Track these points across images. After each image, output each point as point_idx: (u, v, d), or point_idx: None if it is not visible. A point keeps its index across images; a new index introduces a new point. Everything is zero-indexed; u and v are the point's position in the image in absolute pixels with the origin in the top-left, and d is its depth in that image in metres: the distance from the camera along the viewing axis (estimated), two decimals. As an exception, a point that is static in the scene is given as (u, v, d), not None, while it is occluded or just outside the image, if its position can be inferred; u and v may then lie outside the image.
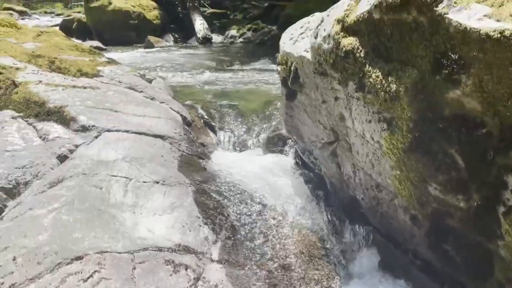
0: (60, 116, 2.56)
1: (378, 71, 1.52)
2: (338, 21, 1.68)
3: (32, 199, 1.84)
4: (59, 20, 14.70)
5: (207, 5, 10.82)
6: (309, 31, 2.31)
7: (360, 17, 1.58)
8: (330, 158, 2.02)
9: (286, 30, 2.58)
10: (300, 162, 2.57)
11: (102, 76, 3.48)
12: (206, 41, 9.29)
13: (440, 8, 1.35)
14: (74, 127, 2.49)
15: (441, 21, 1.34)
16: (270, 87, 4.28)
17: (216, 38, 9.70)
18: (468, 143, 1.33)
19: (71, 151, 2.30)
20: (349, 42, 1.62)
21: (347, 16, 1.65)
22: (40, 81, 2.94)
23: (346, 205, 2.07)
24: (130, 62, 6.39)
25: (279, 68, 2.40)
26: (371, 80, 1.54)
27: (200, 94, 3.98)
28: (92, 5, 9.71)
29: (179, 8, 10.91)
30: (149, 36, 8.83)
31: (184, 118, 3.08)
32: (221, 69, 5.75)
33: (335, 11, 1.76)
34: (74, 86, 2.99)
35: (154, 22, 10.11)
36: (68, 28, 10.20)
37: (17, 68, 3.04)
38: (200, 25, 9.63)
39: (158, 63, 6.27)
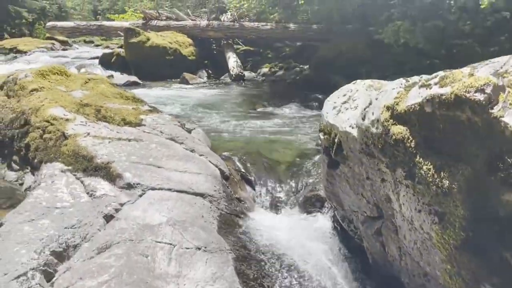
0: (106, 172, 2.63)
1: (429, 163, 1.51)
2: (388, 108, 1.70)
3: (81, 266, 1.89)
4: (97, 50, 15.29)
5: (240, 43, 11.06)
6: (352, 101, 2.34)
7: (410, 107, 1.59)
8: (374, 237, 2.01)
9: (329, 97, 2.61)
10: (339, 228, 2.55)
11: (144, 125, 3.58)
12: (239, 78, 9.46)
13: (496, 111, 1.36)
14: (120, 184, 2.56)
15: (496, 123, 1.34)
16: (302, 138, 4.30)
17: (248, 75, 9.86)
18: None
19: (117, 210, 2.36)
20: (399, 130, 1.63)
21: (397, 104, 1.67)
22: (88, 133, 3.04)
23: (388, 284, 2.04)
24: (166, 100, 6.56)
25: (321, 136, 2.42)
26: (422, 172, 1.53)
27: (235, 143, 4.03)
28: (131, 40, 10.05)
29: (214, 45, 11.19)
30: (184, 73, 9.05)
31: (222, 172, 3.12)
32: (253, 113, 5.82)
33: (384, 97, 1.78)
34: (119, 139, 3.09)
35: (189, 58, 10.37)
36: (107, 61, 10.58)
37: (67, 120, 3.16)
38: (233, 62, 9.82)
39: (193, 102, 6.40)
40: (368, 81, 2.52)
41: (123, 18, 21.00)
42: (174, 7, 15.02)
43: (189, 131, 3.73)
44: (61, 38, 16.05)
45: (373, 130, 1.76)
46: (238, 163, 3.46)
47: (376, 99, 1.83)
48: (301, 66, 9.38)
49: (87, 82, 4.01)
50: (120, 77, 9.57)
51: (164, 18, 11.29)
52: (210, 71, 10.49)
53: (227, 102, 6.57)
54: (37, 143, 3.06)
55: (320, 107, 6.64)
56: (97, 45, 18.03)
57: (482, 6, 5.36)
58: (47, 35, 16.07)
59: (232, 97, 7.18)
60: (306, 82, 8.43)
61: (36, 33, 22.56)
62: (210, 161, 3.18)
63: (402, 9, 6.86)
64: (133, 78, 9.13)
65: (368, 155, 1.87)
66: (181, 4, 14.47)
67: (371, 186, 1.95)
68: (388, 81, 2.58)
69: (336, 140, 2.21)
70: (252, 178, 3.32)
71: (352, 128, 2.02)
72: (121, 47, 11.65)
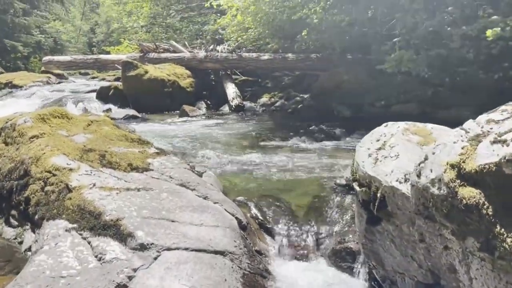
0: (116, 231, 2.35)
1: (514, 236, 1.26)
2: (452, 166, 1.45)
3: None
4: (93, 83, 15.09)
5: (239, 73, 10.92)
6: (390, 148, 2.09)
7: (484, 168, 1.34)
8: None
9: (361, 141, 2.37)
10: (377, 288, 2.28)
11: (152, 170, 3.31)
12: (238, 109, 9.25)
13: None
14: (132, 245, 2.27)
15: None
16: (315, 175, 4.04)
17: (248, 105, 9.66)
18: None
19: (130, 278, 2.06)
20: (470, 194, 1.38)
21: (463, 162, 1.42)
22: (94, 184, 2.76)
23: None
24: (168, 135, 6.30)
25: (356, 187, 2.16)
26: (505, 245, 1.28)
27: (247, 184, 3.76)
28: (129, 74, 9.87)
29: (212, 76, 11.03)
30: (184, 105, 8.83)
31: (239, 222, 2.84)
32: (259, 147, 5.55)
33: (444, 152, 1.53)
34: (128, 189, 2.81)
35: (188, 89, 10.19)
36: (105, 95, 10.36)
37: (71, 169, 2.89)
38: (232, 93, 9.64)
39: (195, 137, 6.15)
40: (402, 124, 2.28)
41: (118, 50, 20.96)
42: (170, 39, 14.95)
43: (200, 174, 3.46)
44: (56, 71, 15.79)
45: (434, 190, 1.51)
46: (254, 209, 3.18)
47: (433, 153, 1.58)
48: (301, 95, 9.20)
49: (89, 125, 3.75)
50: (118, 111, 9.34)
51: (162, 50, 11.16)
52: (209, 102, 10.30)
53: (230, 136, 6.32)
54: (38, 197, 2.77)
55: (327, 138, 6.43)
56: (93, 77, 17.86)
57: (489, 38, 5.22)
58: (42, 68, 15.88)
59: (234, 130, 6.93)
60: (308, 112, 8.24)
61: (32, 66, 22.44)
62: (226, 210, 2.90)
63: (405, 38, 6.74)
64: (132, 112, 8.89)
65: (427, 218, 1.61)
66: (177, 36, 14.39)
67: (427, 251, 1.69)
68: (424, 124, 2.35)
69: (378, 195, 1.95)
70: (271, 226, 3.04)
71: (400, 183, 1.77)
72: (117, 79, 11.48)
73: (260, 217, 3.09)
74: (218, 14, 12.31)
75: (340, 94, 7.83)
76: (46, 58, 12.67)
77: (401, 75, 6.70)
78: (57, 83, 14.37)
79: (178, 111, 9.42)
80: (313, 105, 8.37)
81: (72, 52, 28.10)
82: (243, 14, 9.31)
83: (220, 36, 11.70)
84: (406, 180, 1.74)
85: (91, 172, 2.94)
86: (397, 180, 1.81)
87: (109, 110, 9.85)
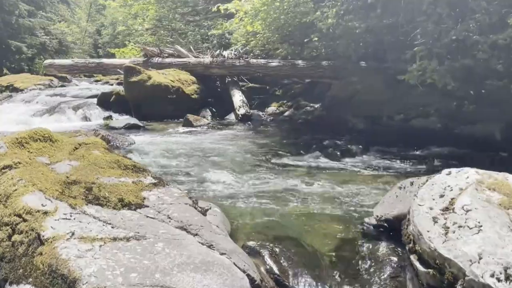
0: (95, 308, 1.78)
1: None
2: None
3: None
4: (96, 87, 14.57)
5: (246, 80, 10.36)
6: (464, 213, 1.52)
7: None
8: None
9: (418, 197, 1.80)
10: None
11: (148, 206, 2.75)
12: (245, 118, 8.70)
13: None
14: (114, 330, 1.71)
15: None
16: (335, 209, 3.45)
17: (255, 114, 9.11)
18: None
19: None
20: None
21: None
22: (73, 234, 2.20)
23: None
24: (169, 150, 5.75)
25: (417, 264, 1.59)
26: None
27: (258, 220, 3.19)
28: (132, 79, 9.34)
29: (218, 83, 10.48)
30: (188, 115, 8.29)
31: (252, 280, 2.27)
32: (269, 166, 4.98)
33: None
34: (114, 239, 2.25)
35: (192, 96, 9.65)
36: (106, 101, 9.85)
37: (46, 212, 2.33)
38: (239, 101, 9.09)
39: (199, 153, 5.59)
40: (472, 174, 1.71)
41: (123, 52, 20.49)
42: (175, 42, 14.42)
43: (204, 211, 2.89)
44: (59, 74, 15.29)
45: None
46: (269, 260, 2.61)
47: None
48: (311, 105, 8.64)
49: (76, 148, 3.20)
50: (119, 120, 8.81)
51: (166, 55, 10.63)
52: (214, 110, 9.75)
53: (236, 152, 5.74)
54: (4, 249, 2.21)
55: (343, 155, 5.85)
56: (97, 80, 17.33)
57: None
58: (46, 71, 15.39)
59: (241, 144, 6.36)
60: (319, 124, 7.68)
61: (36, 68, 22.00)
62: (235, 264, 2.34)
63: (427, 47, 6.15)
64: (133, 121, 8.35)
65: None
66: (182, 39, 13.85)
67: None
68: (503, 175, 1.77)
69: (457, 286, 1.38)
70: (290, 284, 2.47)
71: (499, 281, 1.20)
72: (121, 83, 10.95)
73: (277, 271, 2.51)
74: (225, 18, 11.75)
75: (354, 105, 7.26)
76: (47, 62, 12.18)
77: (421, 86, 6.11)
78: (59, 86, 13.87)
79: (182, 119, 8.90)
80: (324, 116, 7.80)
81: (77, 54, 27.68)
82: (252, 18, 8.76)
83: (227, 40, 11.15)
84: (508, 278, 1.17)
85: (71, 216, 2.38)
86: (492, 275, 1.24)
87: (109, 117, 9.33)
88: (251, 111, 9.01)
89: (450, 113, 6.26)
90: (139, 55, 14.90)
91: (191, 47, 11.15)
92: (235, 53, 10.20)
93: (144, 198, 2.83)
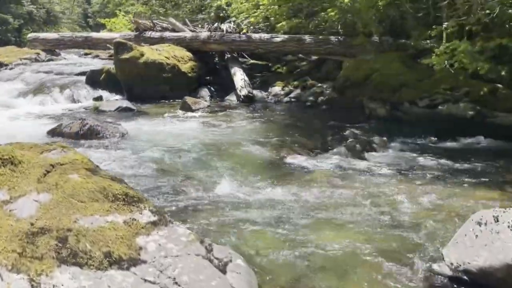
0: None
1: None
2: None
3: None
4: (86, 61, 13.42)
5: (246, 56, 9.38)
6: None
7: None
8: None
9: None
10: None
11: (145, 262, 1.96)
12: (248, 100, 7.81)
13: None
14: None
15: None
16: (384, 241, 2.66)
17: (258, 94, 8.20)
18: None
19: None
20: None
21: None
22: None
23: None
24: (166, 142, 4.91)
25: None
26: None
27: (286, 269, 2.38)
28: (123, 57, 8.34)
29: (216, 59, 9.49)
30: (186, 97, 7.37)
31: None
32: (285, 172, 4.12)
33: None
34: None
35: (189, 74, 8.70)
36: (95, 80, 8.87)
37: (-10, 300, 1.51)
38: (241, 80, 8.16)
39: (198, 148, 4.73)
40: None
41: (114, 23, 19.14)
42: (168, 13, 13.24)
43: (223, 266, 2.08)
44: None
45: None
46: None
47: None
48: (319, 85, 7.74)
49: (49, 172, 2.34)
50: (111, 102, 7.87)
51: (160, 28, 9.56)
52: (213, 89, 8.82)
53: (244, 147, 4.84)
54: None
55: (365, 150, 5.02)
56: (86, 54, 16.12)
57: None
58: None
59: (246, 134, 5.50)
60: (332, 108, 6.82)
61: (24, 39, 20.60)
62: None
63: (457, 23, 5.26)
64: (125, 103, 7.44)
65: None
66: (177, 11, 12.65)
67: None
68: None
69: None
70: None
71: None
72: (112, 57, 9.90)
73: None
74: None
75: (370, 87, 6.38)
76: (31, 35, 11.06)
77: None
78: (46, 60, 12.74)
79: (178, 101, 7.99)
80: (337, 99, 6.94)
81: (66, 24, 26.14)
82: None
83: (225, 12, 10.07)
84: None
85: (31, 301, 1.57)
86: None
87: (99, 98, 8.39)
88: (254, 91, 8.09)
89: (482, 98, 5.42)
90: (129, 26, 13.69)
91: (187, 20, 10.05)
92: (234, 26, 9.18)
93: (141, 249, 2.02)
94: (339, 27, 6.68)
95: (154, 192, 3.36)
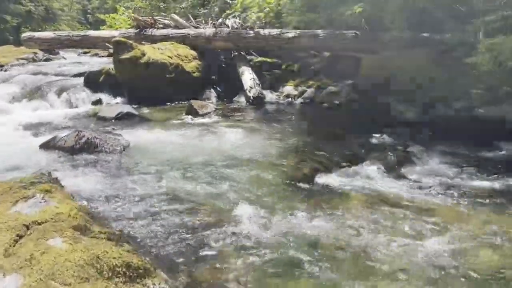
0: None
1: None
2: None
3: None
4: (86, 60, 12.69)
5: (254, 53, 8.64)
6: None
7: None
8: None
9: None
10: None
11: None
12: (258, 101, 7.12)
13: None
14: None
15: None
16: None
17: (268, 95, 7.50)
18: None
19: None
20: None
21: None
22: None
23: None
24: (171, 158, 4.23)
25: None
26: None
27: None
28: (123, 56, 7.62)
29: (222, 57, 8.75)
30: (192, 101, 6.68)
31: None
32: (316, 194, 3.46)
33: None
34: None
35: (194, 74, 7.98)
36: (94, 81, 8.15)
37: None
38: (249, 80, 7.45)
39: (211, 162, 4.07)
40: None
41: (113, 18, 18.35)
42: (169, 7, 12.49)
43: None
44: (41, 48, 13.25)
45: None
46: None
47: None
48: (334, 83, 7.03)
49: (21, 237, 1.67)
50: (111, 106, 7.16)
51: (161, 26, 8.82)
52: (219, 89, 8.12)
53: (258, 161, 4.16)
54: None
55: (402, 165, 3.90)
56: (85, 52, 15.41)
57: None
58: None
59: (261, 146, 4.75)
60: (352, 110, 6.12)
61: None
62: None
63: (503, 14, 4.54)
64: (126, 108, 6.72)
65: None
66: (178, 5, 11.87)
67: None
68: None
69: None
70: None
71: None
72: (111, 55, 9.17)
73: None
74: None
75: (396, 88, 5.68)
76: (26, 35, 10.31)
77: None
78: (44, 60, 12.02)
79: (183, 103, 7.33)
80: (357, 100, 6.23)
81: (65, 21, 25.27)
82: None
83: (229, 6, 9.31)
84: None
85: None
86: None
87: (99, 102, 7.70)
88: (264, 91, 7.39)
89: (528, 99, 4.73)
90: (130, 22, 12.93)
91: (190, 16, 9.30)
92: (240, 22, 8.45)
93: None
94: (363, 21, 5.92)
95: (159, 232, 2.69)
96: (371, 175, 3.80)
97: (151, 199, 3.19)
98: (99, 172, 3.95)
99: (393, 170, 3.91)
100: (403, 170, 3.95)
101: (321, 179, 3.77)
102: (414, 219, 2.87)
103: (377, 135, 4.88)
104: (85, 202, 2.91)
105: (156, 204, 3.11)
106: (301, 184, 3.62)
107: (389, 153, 4.27)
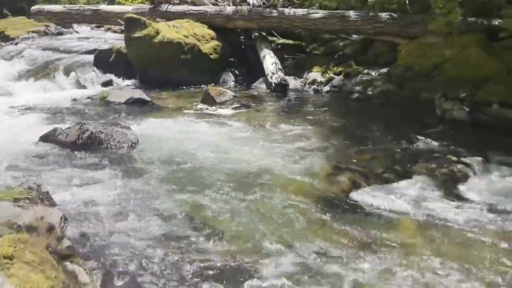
0: None
1: None
2: None
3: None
4: (100, 34, 11.99)
5: (276, 34, 7.85)
6: None
7: None
8: None
9: None
10: None
11: None
12: (280, 88, 6.41)
13: None
14: None
15: None
16: None
17: (292, 81, 6.76)
18: None
19: None
20: None
21: None
22: None
23: None
24: (185, 156, 3.61)
25: None
26: None
27: None
28: (135, 35, 6.95)
29: (242, 38, 7.99)
30: (209, 87, 6.02)
31: None
32: (348, 213, 2.82)
33: None
34: None
35: (211, 56, 7.26)
36: (105, 61, 7.49)
37: None
38: (271, 65, 6.72)
39: (231, 167, 3.45)
40: None
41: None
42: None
43: None
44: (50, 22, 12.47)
45: None
46: None
47: None
48: (366, 71, 6.26)
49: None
50: (121, 90, 6.55)
51: (177, 1, 8.06)
52: (237, 73, 7.40)
53: (285, 169, 3.49)
54: None
55: (456, 182, 2.67)
56: (98, 26, 14.67)
57: None
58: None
59: (286, 147, 4.06)
60: (388, 103, 5.36)
61: (36, 9, 19.16)
62: None
63: None
64: (137, 93, 6.08)
65: None
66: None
67: None
68: None
69: None
70: None
71: None
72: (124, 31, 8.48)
73: None
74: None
75: (441, 79, 4.91)
76: (35, 8, 9.66)
77: None
78: (56, 34, 11.36)
79: (199, 87, 6.70)
80: (393, 92, 5.47)
81: (81, -8, 24.44)
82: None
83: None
84: None
85: None
86: None
87: (109, 83, 7.09)
88: (287, 77, 6.65)
89: None
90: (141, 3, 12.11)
91: (208, -9, 8.48)
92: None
93: None
94: (407, 2, 5.10)
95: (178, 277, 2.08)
96: (417, 192, 3.13)
97: (153, 217, 2.59)
98: (99, 175, 3.37)
99: (446, 186, 3.22)
100: (458, 186, 3.26)
101: (360, 196, 3.11)
102: (474, 261, 2.21)
103: (421, 138, 4.18)
104: (76, 231, 2.33)
105: (158, 222, 2.51)
106: (335, 203, 2.97)
107: (439, 162, 3.58)
